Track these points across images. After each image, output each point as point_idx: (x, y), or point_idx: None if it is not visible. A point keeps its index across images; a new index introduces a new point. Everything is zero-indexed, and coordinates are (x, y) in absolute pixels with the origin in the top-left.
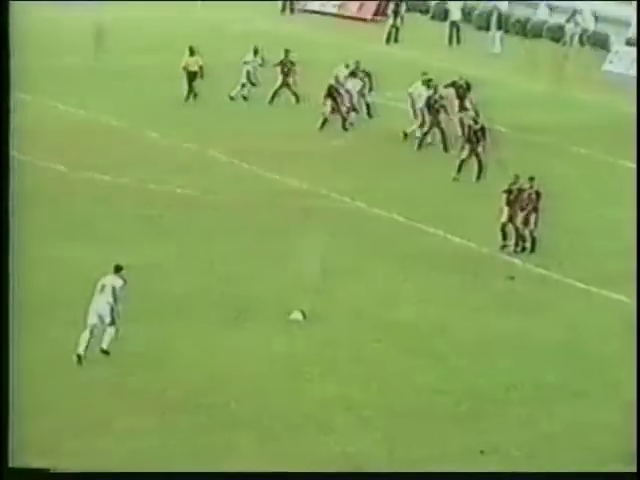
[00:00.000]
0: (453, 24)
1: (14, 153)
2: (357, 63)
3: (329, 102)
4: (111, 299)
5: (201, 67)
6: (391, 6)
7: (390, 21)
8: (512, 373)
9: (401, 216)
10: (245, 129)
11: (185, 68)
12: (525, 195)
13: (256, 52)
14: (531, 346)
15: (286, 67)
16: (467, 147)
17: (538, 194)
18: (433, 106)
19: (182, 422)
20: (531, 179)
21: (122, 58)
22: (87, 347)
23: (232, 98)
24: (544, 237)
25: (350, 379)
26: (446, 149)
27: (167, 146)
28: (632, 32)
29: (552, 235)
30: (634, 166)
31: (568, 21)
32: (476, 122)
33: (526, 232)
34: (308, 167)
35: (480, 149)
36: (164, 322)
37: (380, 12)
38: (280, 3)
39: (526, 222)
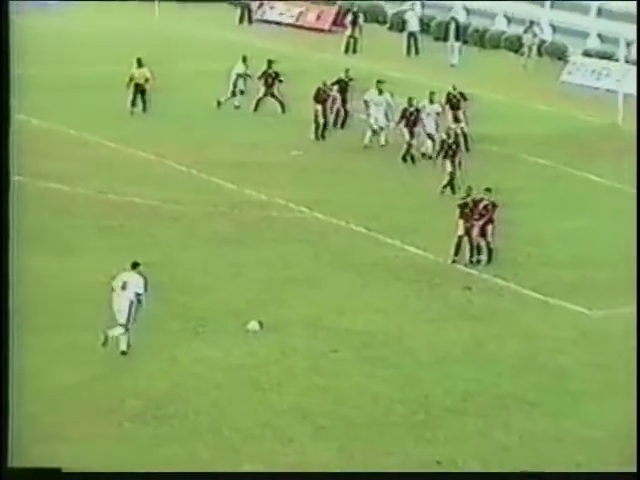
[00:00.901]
0: (411, 35)
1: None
2: (347, 72)
3: (319, 107)
4: (133, 297)
5: (147, 79)
6: (349, 17)
7: (348, 32)
8: (469, 383)
9: (358, 226)
10: (204, 140)
11: (132, 80)
12: (481, 206)
13: (244, 60)
14: (488, 356)
15: (270, 77)
16: (448, 163)
17: (494, 205)
18: (409, 118)
19: (141, 432)
20: (487, 190)
21: (80, 68)
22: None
23: (219, 103)
24: (501, 248)
25: (307, 389)
26: (405, 160)
27: (126, 156)
28: (590, 43)
29: (509, 245)
30: (591, 177)
31: (526, 32)
32: (449, 136)
33: (483, 244)
34: (266, 177)
35: (457, 162)
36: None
37: (338, 23)
38: (238, 13)
39: (483, 233)
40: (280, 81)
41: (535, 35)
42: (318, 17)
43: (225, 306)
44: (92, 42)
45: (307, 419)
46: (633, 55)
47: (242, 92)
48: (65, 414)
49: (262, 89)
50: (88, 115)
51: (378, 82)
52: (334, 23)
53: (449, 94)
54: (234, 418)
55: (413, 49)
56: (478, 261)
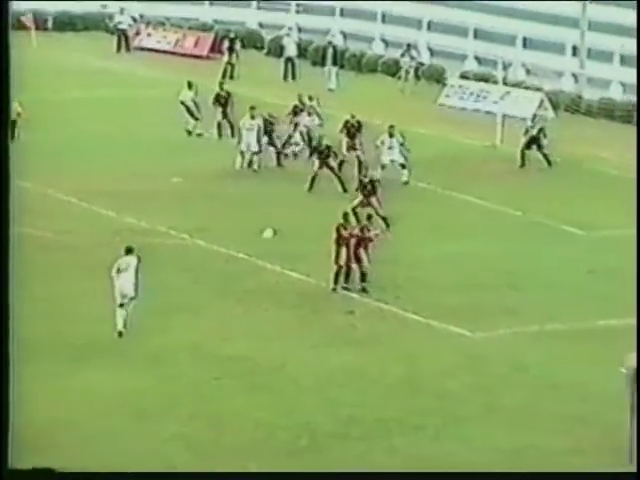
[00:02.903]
0: (288, 60)
1: None
2: (304, 99)
3: (265, 138)
4: (133, 277)
5: (19, 113)
6: (226, 43)
7: (225, 58)
8: (352, 408)
9: (239, 252)
10: (83, 168)
11: None
12: (358, 232)
13: (190, 86)
14: (371, 380)
15: (222, 99)
16: (360, 197)
17: (370, 230)
18: (323, 151)
19: (28, 464)
20: (369, 217)
21: None
22: (125, 323)
23: (189, 132)
24: (382, 271)
25: (190, 417)
26: (345, 189)
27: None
28: (468, 65)
29: (390, 269)
30: (472, 199)
31: (403, 55)
32: (365, 175)
33: (360, 268)
34: (147, 205)
35: (375, 202)
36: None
37: (216, 49)
38: (115, 42)
39: (359, 259)
40: (232, 102)
41: (413, 58)
42: (196, 44)
43: (108, 334)
44: None
45: (190, 447)
46: (510, 77)
47: (197, 119)
48: None
49: (219, 111)
50: None
51: (251, 108)
52: (212, 49)
53: (347, 122)
54: (117, 446)
55: (290, 74)
56: (363, 289)
